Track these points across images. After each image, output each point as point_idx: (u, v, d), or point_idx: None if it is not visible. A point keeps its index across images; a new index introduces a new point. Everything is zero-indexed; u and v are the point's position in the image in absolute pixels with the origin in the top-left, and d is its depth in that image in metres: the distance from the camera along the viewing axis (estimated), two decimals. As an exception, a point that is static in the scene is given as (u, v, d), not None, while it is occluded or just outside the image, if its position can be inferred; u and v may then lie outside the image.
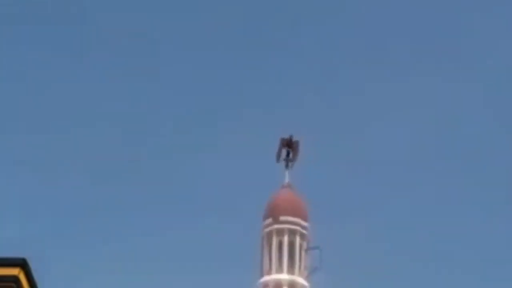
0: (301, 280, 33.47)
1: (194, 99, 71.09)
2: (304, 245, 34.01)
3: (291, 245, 33.81)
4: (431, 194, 66.22)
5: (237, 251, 37.69)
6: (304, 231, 34.11)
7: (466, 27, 70.86)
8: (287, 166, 34.89)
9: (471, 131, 69.72)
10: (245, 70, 71.34)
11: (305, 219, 34.21)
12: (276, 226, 34.04)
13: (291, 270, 33.58)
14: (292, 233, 33.98)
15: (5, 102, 71.49)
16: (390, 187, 63.58)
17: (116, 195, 68.45)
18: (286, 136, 34.95)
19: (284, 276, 33.47)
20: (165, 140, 70.56)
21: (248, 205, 38.00)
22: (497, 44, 70.22)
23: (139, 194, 67.15)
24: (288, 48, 71.83)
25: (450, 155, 68.03)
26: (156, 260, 59.75)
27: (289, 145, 34.92)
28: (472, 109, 70.26)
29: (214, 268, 48.17)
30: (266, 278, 33.56)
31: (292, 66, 69.23)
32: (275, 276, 33.47)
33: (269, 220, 34.10)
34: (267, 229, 34.06)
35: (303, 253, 33.90)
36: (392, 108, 69.93)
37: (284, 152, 35.00)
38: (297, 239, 34.00)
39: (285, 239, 33.91)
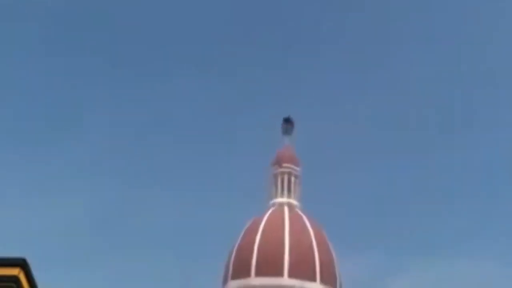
0: (294, 201, 54.96)
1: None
2: (297, 181, 55.69)
3: (289, 181, 55.52)
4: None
5: (256, 184, 57.46)
6: (297, 173, 55.87)
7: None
8: (286, 133, 56.51)
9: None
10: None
11: (297, 165, 56.03)
12: (280, 169, 55.74)
13: (288, 195, 55.11)
14: (289, 174, 55.73)
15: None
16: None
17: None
18: (286, 116, 56.58)
19: (284, 199, 54.95)
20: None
21: (263, 157, 57.49)
22: None
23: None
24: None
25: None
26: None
27: (288, 121, 56.45)
28: None
29: (242, 194, 66.72)
30: (274, 200, 54.96)
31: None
32: (279, 199, 54.91)
33: (276, 166, 55.84)
34: (275, 171, 55.77)
35: (296, 185, 55.54)
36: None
37: (284, 125, 56.54)
38: (292, 178, 55.75)
39: (285, 177, 55.61)
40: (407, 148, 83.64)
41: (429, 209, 79.07)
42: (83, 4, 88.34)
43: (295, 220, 52.57)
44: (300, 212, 53.62)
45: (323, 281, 50.91)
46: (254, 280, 50.68)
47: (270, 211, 53.47)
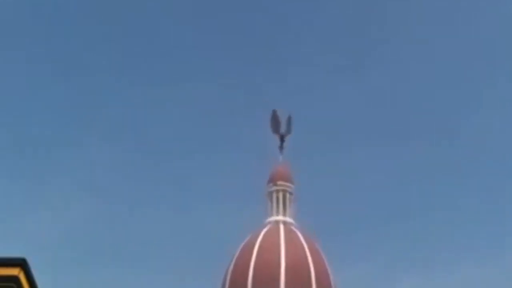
0: (289, 219, 55.21)
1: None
2: (292, 198, 56.02)
3: (284, 198, 55.86)
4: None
5: (255, 200, 57.82)
6: (291, 190, 56.20)
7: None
8: (280, 151, 57.01)
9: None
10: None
11: (292, 183, 56.37)
12: (275, 187, 56.07)
13: (284, 213, 55.43)
14: (284, 191, 56.07)
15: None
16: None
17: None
18: (280, 133, 56.95)
19: (280, 217, 55.21)
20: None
21: (258, 175, 57.86)
22: None
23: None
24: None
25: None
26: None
27: (282, 139, 56.92)
28: None
29: (241, 211, 66.76)
30: (269, 218, 55.25)
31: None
32: (275, 217, 55.21)
33: (271, 184, 56.19)
34: (270, 189, 56.12)
35: (291, 202, 55.83)
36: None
37: (278, 142, 57.02)
38: (287, 195, 56.09)
39: (280, 195, 55.95)
40: (402, 161, 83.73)
41: (423, 222, 79.49)
42: (82, 27, 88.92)
43: (291, 238, 52.83)
44: (295, 230, 53.88)
45: (319, 298, 51.14)
46: (250, 297, 50.85)
47: (266, 229, 53.71)
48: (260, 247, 52.10)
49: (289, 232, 53.32)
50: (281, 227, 53.75)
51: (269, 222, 54.64)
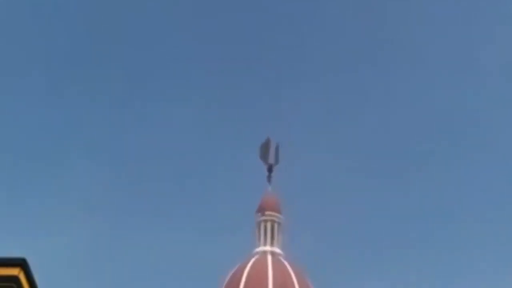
0: (277, 249, 55.01)
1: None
2: (280, 228, 55.84)
3: (272, 229, 55.68)
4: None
5: (243, 230, 57.65)
6: (279, 221, 56.05)
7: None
8: (269, 181, 56.90)
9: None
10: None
11: (280, 213, 56.23)
12: (263, 217, 55.91)
13: (271, 243, 55.24)
14: (272, 221, 55.91)
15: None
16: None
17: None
18: (269, 163, 56.87)
19: (267, 248, 55.03)
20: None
21: (247, 204, 57.75)
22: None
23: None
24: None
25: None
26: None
27: (270, 170, 56.87)
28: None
29: (229, 241, 66.73)
30: (257, 248, 55.05)
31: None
32: (262, 248, 55.02)
33: (259, 214, 56.03)
34: (258, 219, 55.95)
35: (279, 233, 55.66)
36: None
37: (266, 173, 56.96)
38: (276, 225, 55.92)
39: (268, 225, 55.78)
40: (394, 194, 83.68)
41: (415, 254, 79.26)
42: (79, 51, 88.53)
43: (279, 268, 52.58)
44: (283, 260, 53.66)
45: (307, 329, 50.91)
46: (238, 328, 50.57)
47: (253, 259, 53.44)
48: (248, 277, 51.81)
49: (277, 263, 53.07)
50: (269, 257, 53.49)
51: (257, 253, 54.38)
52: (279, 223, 55.92)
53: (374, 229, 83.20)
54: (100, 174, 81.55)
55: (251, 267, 52.55)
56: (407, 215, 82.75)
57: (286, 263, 53.34)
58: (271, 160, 56.90)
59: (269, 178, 56.71)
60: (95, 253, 79.23)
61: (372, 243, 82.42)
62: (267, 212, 55.92)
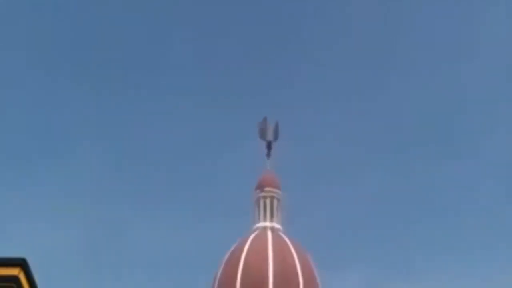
0: (276, 225, 55.50)
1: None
2: (279, 204, 56.30)
3: (271, 205, 56.13)
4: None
5: (242, 207, 57.84)
6: (278, 197, 56.49)
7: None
8: (268, 157, 57.28)
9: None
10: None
11: (279, 189, 56.67)
12: (262, 193, 56.33)
13: (271, 219, 55.70)
14: (272, 197, 56.35)
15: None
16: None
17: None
18: (268, 139, 57.28)
19: (267, 223, 55.49)
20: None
21: (246, 181, 58.11)
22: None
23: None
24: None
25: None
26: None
27: (269, 146, 57.23)
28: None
29: (229, 217, 66.97)
30: (257, 224, 55.51)
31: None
32: (262, 223, 55.48)
33: (258, 190, 56.44)
34: (257, 195, 56.37)
35: (278, 209, 56.13)
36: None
37: (265, 150, 57.32)
38: (275, 201, 56.37)
39: (268, 201, 56.23)
40: (391, 168, 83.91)
41: (415, 230, 79.68)
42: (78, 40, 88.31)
43: (278, 244, 53.01)
44: (283, 235, 54.12)
45: (307, 304, 51.38)
46: (238, 303, 51.03)
47: (253, 235, 53.88)
48: (248, 252, 52.27)
49: (277, 238, 53.54)
50: (269, 233, 53.94)
51: (257, 228, 54.83)
52: (278, 199, 56.33)
53: (372, 206, 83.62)
54: (100, 169, 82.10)
55: (251, 242, 53.02)
56: (406, 193, 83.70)
57: (285, 238, 53.81)
58: (270, 137, 57.28)
59: (268, 154, 57.17)
60: (95, 253, 79.74)
61: (373, 219, 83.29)
62: (266, 188, 56.30)
